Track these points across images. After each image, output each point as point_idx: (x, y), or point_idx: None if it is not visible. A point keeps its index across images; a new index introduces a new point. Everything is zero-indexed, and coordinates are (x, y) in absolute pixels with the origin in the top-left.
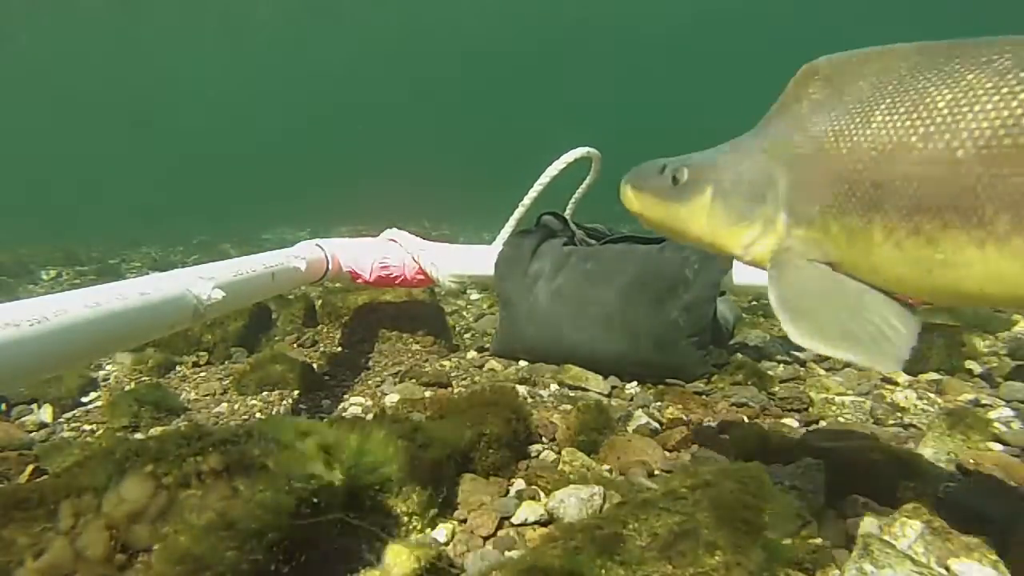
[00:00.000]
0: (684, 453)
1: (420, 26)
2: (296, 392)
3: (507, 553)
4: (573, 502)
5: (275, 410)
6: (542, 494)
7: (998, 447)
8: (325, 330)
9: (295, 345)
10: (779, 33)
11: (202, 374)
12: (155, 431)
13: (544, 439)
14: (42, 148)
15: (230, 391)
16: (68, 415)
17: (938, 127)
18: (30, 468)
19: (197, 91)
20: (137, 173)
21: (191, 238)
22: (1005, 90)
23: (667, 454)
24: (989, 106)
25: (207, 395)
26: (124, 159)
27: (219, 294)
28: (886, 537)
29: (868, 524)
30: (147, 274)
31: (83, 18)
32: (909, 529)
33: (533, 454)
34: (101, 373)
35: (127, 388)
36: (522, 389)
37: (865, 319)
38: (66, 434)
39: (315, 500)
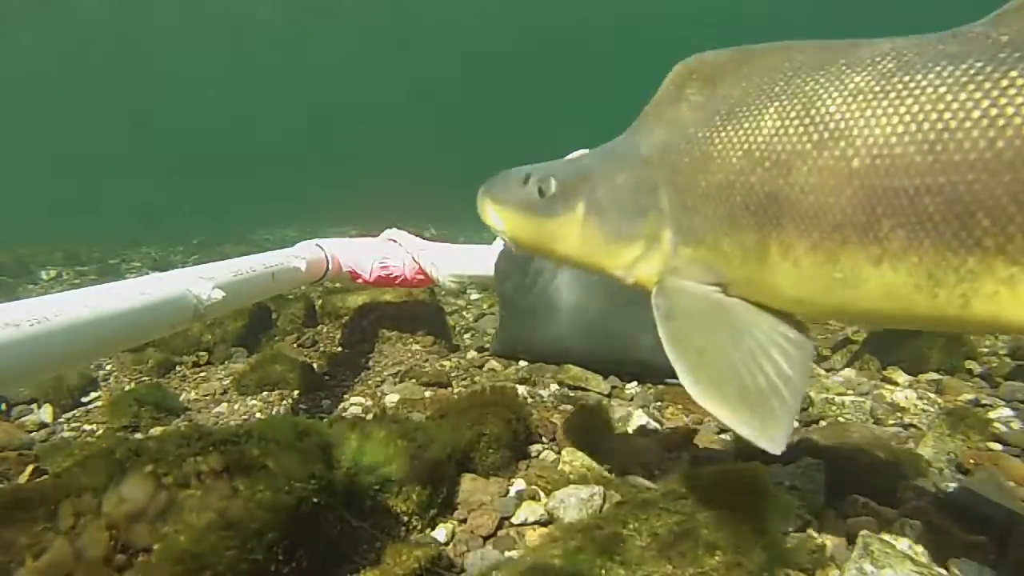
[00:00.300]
0: (684, 453)
1: (420, 26)
2: (296, 392)
3: (507, 553)
4: (573, 502)
5: (275, 410)
6: (542, 494)
7: (998, 447)
8: (325, 330)
9: (295, 345)
10: (779, 33)
11: (202, 374)
12: (155, 431)
13: (544, 439)
14: (42, 148)
15: (230, 391)
16: (68, 415)
17: (832, 134)
18: (30, 468)
19: (197, 91)
20: (137, 173)
21: (191, 238)
22: (893, 95)
23: (667, 454)
24: (879, 112)
25: (207, 395)
26: (124, 159)
27: (219, 294)
28: (886, 537)
29: (868, 524)
30: (147, 274)
31: (83, 18)
32: (909, 529)
33: (533, 454)
34: (101, 373)
35: (127, 388)
36: (522, 389)
37: (759, 366)
38: (66, 434)
39: (315, 500)
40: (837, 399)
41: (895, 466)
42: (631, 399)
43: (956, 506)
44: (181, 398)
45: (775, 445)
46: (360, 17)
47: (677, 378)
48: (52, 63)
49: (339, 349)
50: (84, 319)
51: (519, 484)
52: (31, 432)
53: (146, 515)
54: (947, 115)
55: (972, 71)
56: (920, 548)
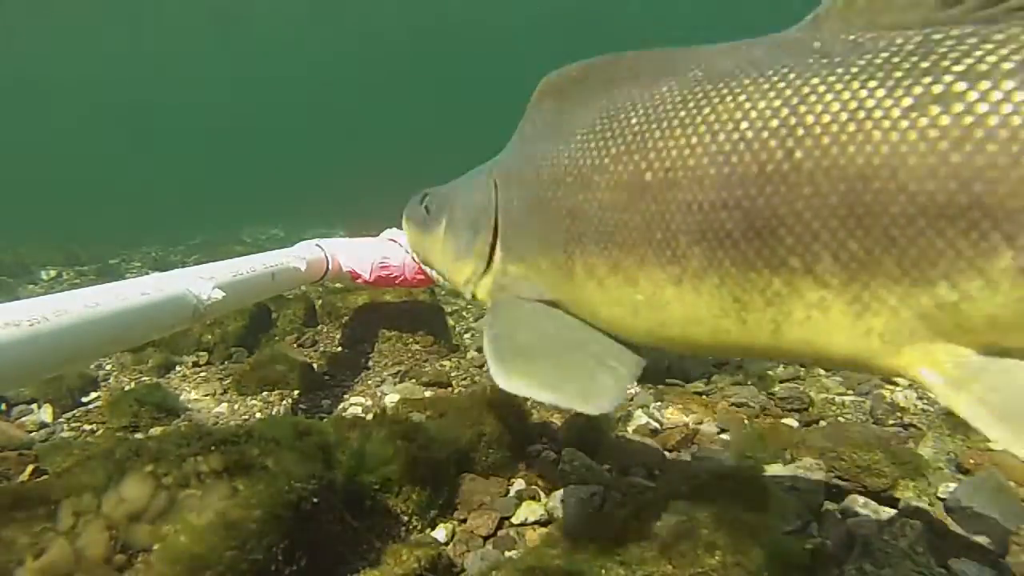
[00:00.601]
0: (684, 453)
1: (421, 25)
2: (296, 392)
3: (507, 553)
4: (573, 502)
5: (275, 410)
6: (542, 494)
7: (998, 447)
8: (325, 330)
9: (295, 345)
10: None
11: (202, 374)
12: (155, 431)
13: (544, 439)
14: (42, 148)
15: (230, 391)
16: (68, 415)
17: (628, 147)
18: (30, 468)
19: (197, 91)
20: (137, 173)
21: (191, 238)
22: (691, 104)
23: (667, 454)
24: (675, 122)
25: (207, 395)
26: (124, 159)
27: (219, 294)
28: (886, 537)
29: (868, 524)
30: (147, 274)
31: (83, 18)
32: (909, 529)
33: (533, 454)
34: (101, 373)
35: (127, 388)
36: None
37: (579, 358)
38: (66, 434)
39: (315, 500)
40: (837, 399)
41: (895, 466)
42: (631, 399)
43: (956, 506)
44: (181, 398)
45: (608, 404)
46: (362, 14)
47: (676, 378)
48: (52, 63)
49: (339, 349)
50: (84, 319)
51: (519, 484)
52: (31, 432)
53: (146, 515)
54: (744, 124)
55: (775, 78)
56: (920, 548)
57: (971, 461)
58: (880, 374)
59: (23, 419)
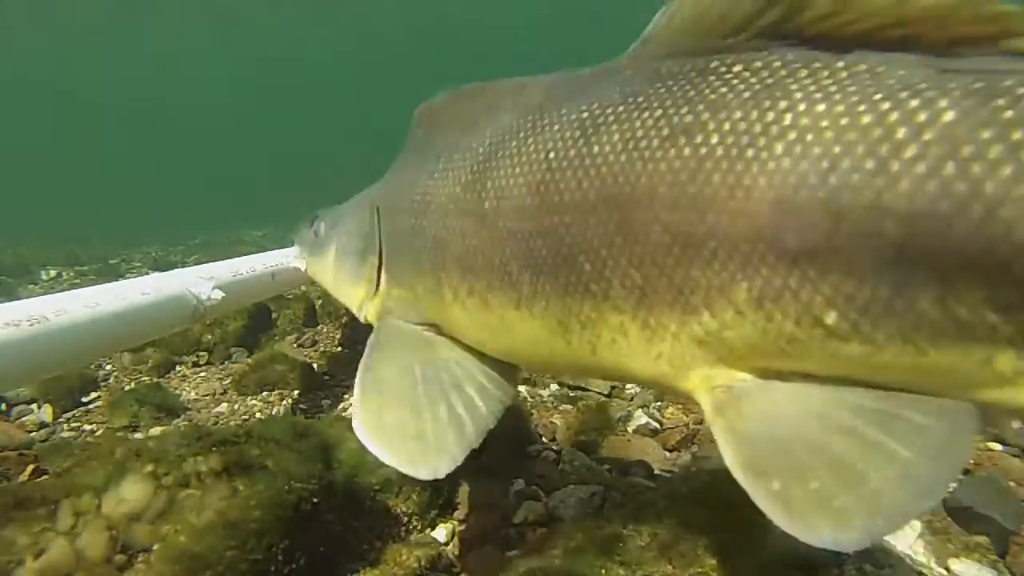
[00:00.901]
0: (684, 453)
1: (421, 24)
2: (296, 392)
3: (507, 553)
4: (573, 502)
5: (275, 410)
6: (542, 494)
7: (998, 447)
8: (325, 330)
9: (295, 345)
10: None
11: (202, 374)
12: (155, 431)
13: (544, 439)
14: (42, 148)
15: (230, 391)
16: (68, 415)
17: (474, 175)
18: (30, 468)
19: (197, 91)
20: (137, 173)
21: (191, 238)
22: (520, 135)
23: (667, 454)
24: (505, 153)
25: (207, 395)
26: (124, 159)
27: (219, 294)
28: (886, 537)
29: None
30: (147, 274)
31: (83, 17)
32: (909, 529)
33: (533, 454)
34: (101, 373)
35: (127, 388)
36: (522, 389)
37: (431, 409)
38: (66, 434)
39: (315, 500)
40: None
41: None
42: (631, 399)
43: (956, 506)
44: (181, 398)
45: (434, 473)
46: (363, 13)
47: None
48: (52, 63)
49: (339, 349)
50: (84, 319)
51: (519, 484)
52: (31, 432)
53: (146, 515)
54: (551, 155)
55: (583, 109)
56: (920, 548)
57: (971, 461)
58: (683, 398)
59: (23, 419)
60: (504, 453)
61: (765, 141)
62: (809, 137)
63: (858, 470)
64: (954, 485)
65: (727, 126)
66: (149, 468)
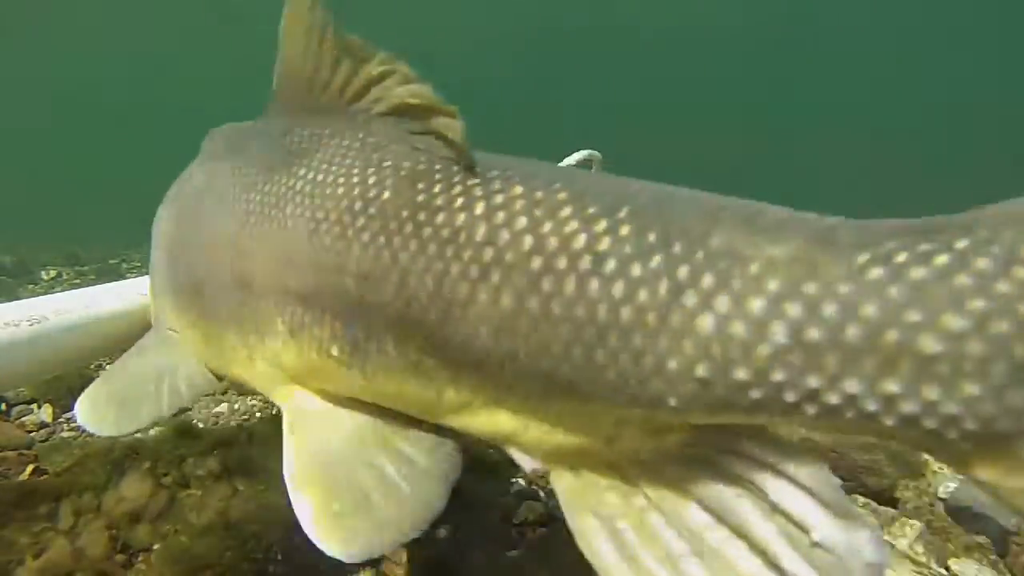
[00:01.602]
0: None
1: (422, 24)
2: None
3: (507, 553)
4: None
5: (275, 410)
6: (542, 494)
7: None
8: None
9: None
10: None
11: None
12: (154, 431)
13: None
14: (42, 148)
15: (230, 391)
16: (68, 415)
17: (209, 218)
18: (30, 468)
19: (197, 91)
20: (138, 173)
21: None
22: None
23: None
24: (231, 196)
25: (207, 395)
26: (125, 159)
27: None
28: (886, 537)
29: None
30: (147, 274)
31: (84, 18)
32: (909, 529)
33: None
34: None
35: None
36: None
37: (139, 393)
38: (66, 434)
39: None
40: None
41: (895, 466)
42: None
43: (956, 506)
44: None
45: (118, 431)
46: (366, 12)
47: None
48: (52, 63)
49: None
50: (84, 319)
51: (519, 484)
52: (31, 432)
53: (146, 514)
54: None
55: (256, 158)
56: (920, 548)
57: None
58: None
59: (23, 419)
60: (504, 453)
61: (280, 204)
62: (306, 201)
63: (372, 500)
64: (955, 485)
65: (268, 188)
66: (148, 467)
